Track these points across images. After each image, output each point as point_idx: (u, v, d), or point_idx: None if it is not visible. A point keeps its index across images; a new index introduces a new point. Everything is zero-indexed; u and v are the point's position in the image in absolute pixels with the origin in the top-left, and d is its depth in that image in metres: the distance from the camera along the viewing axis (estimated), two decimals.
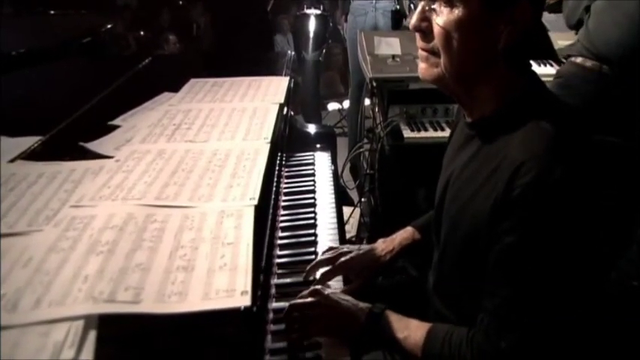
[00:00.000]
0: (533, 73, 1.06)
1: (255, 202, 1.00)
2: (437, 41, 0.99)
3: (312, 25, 4.02)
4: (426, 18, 1.00)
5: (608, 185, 0.99)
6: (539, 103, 1.01)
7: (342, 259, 1.34)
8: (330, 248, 1.40)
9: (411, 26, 1.03)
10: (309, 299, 1.13)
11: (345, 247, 1.39)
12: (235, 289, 0.76)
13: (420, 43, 1.03)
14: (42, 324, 0.69)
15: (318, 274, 1.33)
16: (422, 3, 1.00)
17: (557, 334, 0.95)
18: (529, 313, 0.94)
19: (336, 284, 1.37)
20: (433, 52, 1.01)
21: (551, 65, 2.59)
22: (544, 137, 0.93)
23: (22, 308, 0.72)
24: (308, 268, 1.32)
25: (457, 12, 0.95)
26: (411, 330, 1.07)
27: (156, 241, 0.88)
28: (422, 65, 1.05)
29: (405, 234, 1.44)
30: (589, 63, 2.17)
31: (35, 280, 0.78)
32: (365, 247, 1.42)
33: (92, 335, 0.68)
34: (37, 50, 1.90)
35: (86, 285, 0.76)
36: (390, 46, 2.54)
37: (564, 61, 2.35)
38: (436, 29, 0.98)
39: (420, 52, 1.05)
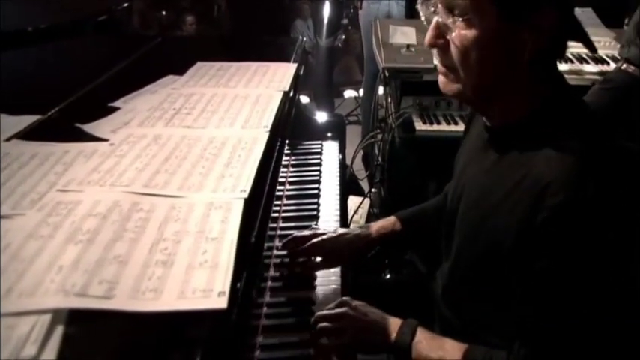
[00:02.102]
0: (560, 76, 1.00)
1: (246, 194, 0.96)
2: (454, 59, 0.93)
3: (326, 11, 3.95)
4: (441, 34, 0.94)
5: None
6: (566, 112, 0.95)
7: (314, 239, 1.31)
8: (310, 228, 1.39)
9: (426, 43, 0.97)
10: (337, 310, 1.10)
11: (321, 229, 1.37)
12: (213, 289, 0.73)
13: (437, 58, 0.98)
14: (10, 316, 0.67)
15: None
16: (435, 18, 0.94)
17: (598, 355, 0.92)
18: (569, 340, 0.91)
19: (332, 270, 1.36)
20: (453, 69, 0.95)
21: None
22: (571, 154, 0.88)
23: None
24: (282, 242, 1.32)
25: (473, 29, 0.88)
26: (446, 350, 1.03)
27: (138, 231, 0.85)
28: (441, 79, 1.00)
29: (384, 223, 1.41)
30: None
31: (10, 267, 0.75)
32: (340, 230, 1.39)
33: (58, 331, 0.65)
34: (52, 27, 1.88)
35: (59, 276, 0.73)
36: (405, 35, 2.48)
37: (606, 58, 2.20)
38: (453, 47, 0.92)
39: (439, 67, 0.99)
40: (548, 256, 0.88)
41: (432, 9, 0.95)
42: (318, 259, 1.34)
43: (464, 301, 1.14)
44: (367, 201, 2.97)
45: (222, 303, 0.70)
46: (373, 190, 2.95)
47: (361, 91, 4.19)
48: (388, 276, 2.31)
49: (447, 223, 1.17)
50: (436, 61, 1.00)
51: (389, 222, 1.40)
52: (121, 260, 0.78)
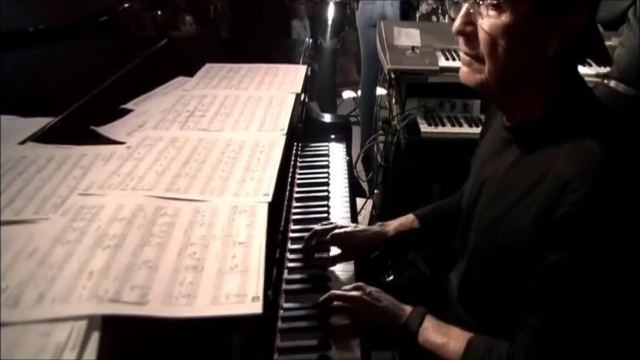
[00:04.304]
0: (580, 78, 1.00)
1: (269, 198, 0.96)
2: (482, 47, 0.92)
3: (330, 13, 3.96)
4: (470, 22, 0.94)
5: None
6: (587, 113, 0.96)
7: (336, 230, 1.34)
8: (330, 222, 1.41)
9: (454, 30, 0.96)
10: (352, 293, 1.13)
11: (341, 223, 1.40)
12: (246, 294, 0.72)
13: (463, 47, 0.97)
14: (44, 322, 0.66)
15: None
16: (466, 5, 0.93)
17: (601, 355, 0.92)
18: (573, 333, 0.91)
19: (346, 274, 1.36)
20: (477, 58, 0.95)
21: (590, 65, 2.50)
22: (593, 153, 0.88)
23: (24, 304, 0.69)
24: (306, 237, 1.33)
25: (505, 17, 0.89)
26: (451, 338, 1.05)
27: (165, 236, 0.84)
28: (464, 69, 0.99)
29: (403, 220, 1.42)
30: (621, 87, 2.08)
31: (39, 273, 0.75)
32: (361, 226, 1.42)
33: (95, 337, 0.65)
34: (54, 27, 1.86)
35: (91, 282, 0.73)
36: (409, 37, 2.47)
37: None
38: (481, 34, 0.92)
39: (463, 57, 0.99)
40: (563, 250, 0.89)
41: None
42: (333, 252, 1.35)
43: (479, 299, 1.15)
44: (370, 202, 2.97)
45: (257, 308, 0.70)
46: (376, 191, 2.95)
47: (360, 92, 4.19)
48: (391, 277, 2.32)
49: (464, 223, 1.18)
50: (461, 49, 0.99)
51: (407, 220, 1.41)
52: (151, 265, 0.77)
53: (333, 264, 1.33)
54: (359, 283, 1.17)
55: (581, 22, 0.89)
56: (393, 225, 1.41)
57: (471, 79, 0.98)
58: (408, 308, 1.12)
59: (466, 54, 0.98)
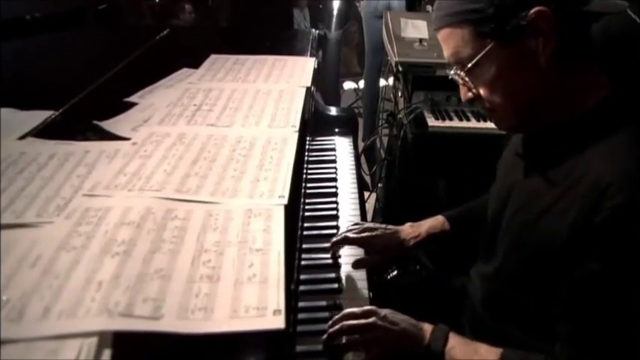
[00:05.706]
0: (624, 74, 0.96)
1: (285, 200, 0.91)
2: (487, 103, 0.96)
3: (335, 3, 3.89)
4: (469, 87, 0.97)
5: None
6: (624, 111, 0.91)
7: (367, 233, 1.32)
8: (356, 224, 1.38)
9: (463, 100, 1.01)
10: (366, 320, 1.05)
11: (372, 224, 1.38)
12: (267, 306, 0.67)
13: (479, 105, 1.01)
14: (51, 339, 0.61)
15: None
16: (459, 80, 0.98)
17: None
18: (613, 341, 0.88)
19: (356, 273, 1.31)
20: (494, 110, 0.98)
21: None
22: (632, 155, 0.85)
23: (29, 318, 0.64)
24: (333, 241, 1.29)
25: (485, 69, 0.91)
26: (480, 355, 1.01)
27: (177, 242, 0.79)
28: (493, 121, 1.03)
29: (433, 222, 1.40)
30: None
31: (44, 283, 0.70)
32: (392, 227, 1.39)
33: (106, 355, 0.60)
34: (51, 15, 1.80)
35: (100, 293, 0.68)
36: (417, 29, 2.41)
37: None
38: (481, 93, 0.96)
39: (485, 113, 1.03)
40: (603, 256, 0.86)
41: (453, 72, 0.98)
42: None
43: (507, 302, 1.11)
44: (373, 195, 2.93)
45: (279, 323, 0.65)
46: (379, 184, 2.91)
47: (361, 83, 4.14)
48: (395, 272, 2.28)
49: (491, 227, 1.14)
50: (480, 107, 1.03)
51: (438, 222, 1.39)
52: (163, 275, 0.72)
53: (363, 267, 1.30)
54: (371, 308, 1.09)
55: (549, 18, 0.86)
56: (424, 227, 1.38)
57: (503, 126, 1.03)
58: (427, 327, 1.06)
59: (485, 111, 1.01)
